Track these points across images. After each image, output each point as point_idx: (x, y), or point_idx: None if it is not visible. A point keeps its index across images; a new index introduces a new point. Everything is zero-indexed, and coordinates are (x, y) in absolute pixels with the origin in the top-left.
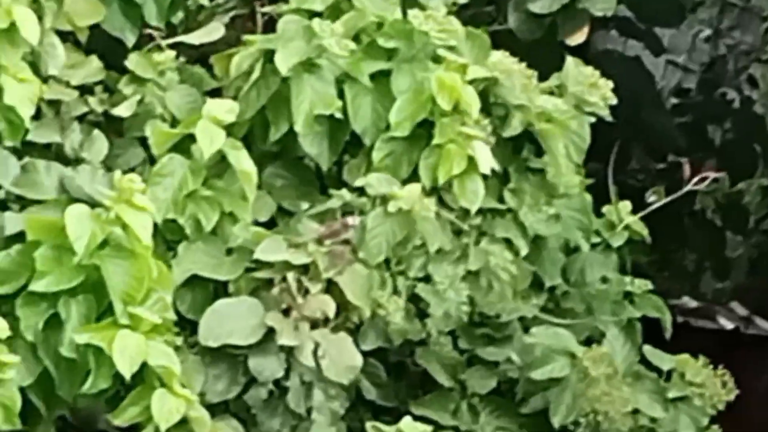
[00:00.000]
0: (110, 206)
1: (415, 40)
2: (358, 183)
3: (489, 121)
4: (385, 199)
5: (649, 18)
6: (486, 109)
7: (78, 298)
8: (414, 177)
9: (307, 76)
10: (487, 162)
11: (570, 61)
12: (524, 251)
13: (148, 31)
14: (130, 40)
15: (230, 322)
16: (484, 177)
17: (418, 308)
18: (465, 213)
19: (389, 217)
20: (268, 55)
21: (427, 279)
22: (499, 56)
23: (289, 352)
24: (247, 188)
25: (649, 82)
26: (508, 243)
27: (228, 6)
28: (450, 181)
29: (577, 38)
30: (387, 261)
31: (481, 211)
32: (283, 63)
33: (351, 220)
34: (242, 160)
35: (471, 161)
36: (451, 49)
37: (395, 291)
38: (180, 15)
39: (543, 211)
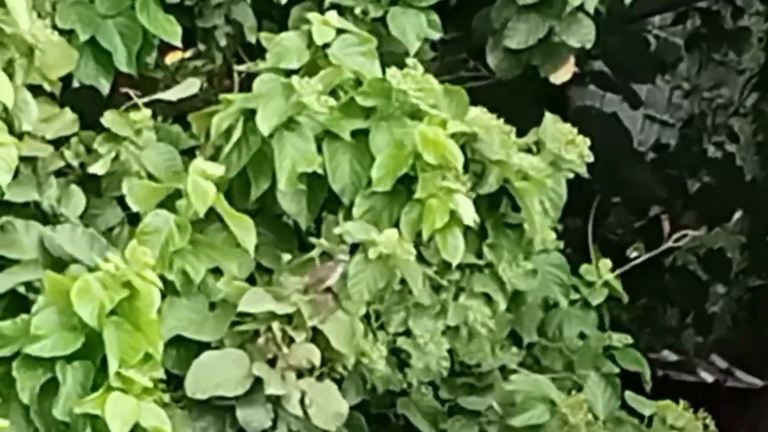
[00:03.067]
0: (119, 276)
1: (393, 98)
2: (336, 231)
3: (468, 177)
4: (364, 247)
5: (625, 74)
6: (465, 165)
7: (74, 363)
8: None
9: (288, 134)
10: (470, 214)
11: (548, 117)
12: (503, 306)
13: (124, 90)
14: (105, 86)
15: (217, 374)
16: (464, 232)
17: (399, 359)
18: (444, 268)
19: (370, 264)
20: (248, 115)
21: (407, 333)
22: (477, 112)
23: (276, 402)
24: (246, 238)
25: (627, 138)
26: (487, 298)
27: (206, 68)
28: (430, 236)
29: (562, 75)
30: (368, 316)
31: (459, 267)
32: (265, 123)
33: (341, 255)
34: (233, 211)
35: (452, 215)
36: (430, 106)
37: (376, 341)
38: (152, 60)
39: (521, 266)
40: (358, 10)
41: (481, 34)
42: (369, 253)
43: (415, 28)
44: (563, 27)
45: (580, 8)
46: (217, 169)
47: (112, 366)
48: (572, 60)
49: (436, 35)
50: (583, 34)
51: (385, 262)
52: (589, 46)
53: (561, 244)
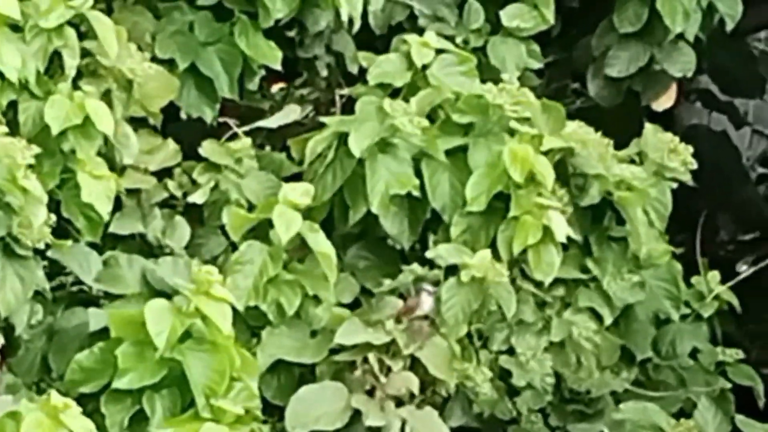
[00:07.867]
0: (189, 298)
1: (490, 114)
2: (429, 255)
3: (566, 191)
4: (457, 270)
5: (731, 90)
6: (565, 180)
7: (162, 392)
8: (492, 250)
9: (381, 157)
10: (563, 231)
11: (649, 127)
12: (608, 320)
13: (224, 119)
14: (209, 115)
15: (316, 407)
16: (564, 247)
17: (508, 386)
18: (549, 284)
19: (463, 287)
20: (342, 138)
21: (510, 351)
22: (574, 126)
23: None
24: (327, 270)
25: (736, 157)
26: (593, 313)
27: (312, 96)
28: (522, 251)
29: (664, 102)
30: (469, 335)
31: (564, 282)
32: (356, 145)
33: (427, 287)
34: (320, 242)
35: (546, 231)
36: (525, 120)
37: (479, 363)
38: (255, 87)
39: (627, 279)
40: (459, 40)
41: (582, 62)
42: (462, 276)
43: (514, 57)
44: (664, 55)
45: (681, 36)
46: (306, 194)
47: (198, 396)
48: (674, 87)
49: (536, 65)
50: (683, 62)
51: (478, 284)
52: (689, 74)
53: (669, 256)
